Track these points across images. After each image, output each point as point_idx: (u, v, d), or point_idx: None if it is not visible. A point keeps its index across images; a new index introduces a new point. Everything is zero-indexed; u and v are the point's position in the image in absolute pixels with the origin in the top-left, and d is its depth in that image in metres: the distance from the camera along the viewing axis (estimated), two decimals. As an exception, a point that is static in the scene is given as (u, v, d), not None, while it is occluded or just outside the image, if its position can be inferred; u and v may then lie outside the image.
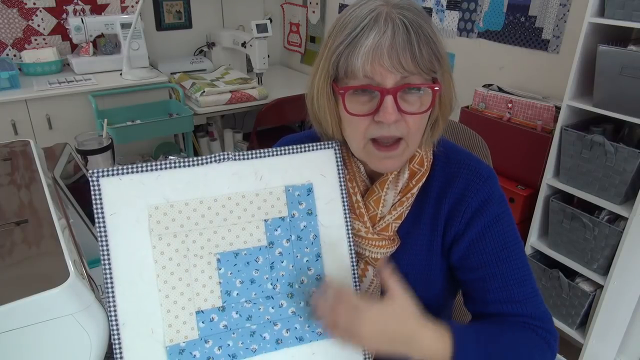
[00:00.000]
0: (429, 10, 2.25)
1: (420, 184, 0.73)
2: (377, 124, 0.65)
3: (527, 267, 0.72)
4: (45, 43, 2.59)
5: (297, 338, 0.68)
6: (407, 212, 0.74)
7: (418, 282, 0.76)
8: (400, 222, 0.74)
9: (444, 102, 0.70)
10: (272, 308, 0.68)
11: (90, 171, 0.61)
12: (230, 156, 0.67)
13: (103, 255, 0.61)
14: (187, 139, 2.51)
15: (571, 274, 1.70)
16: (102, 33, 2.52)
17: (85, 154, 1.48)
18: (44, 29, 2.56)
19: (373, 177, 0.75)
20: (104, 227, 0.61)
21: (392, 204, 0.73)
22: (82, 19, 2.42)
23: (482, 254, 0.71)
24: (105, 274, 0.61)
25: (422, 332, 0.63)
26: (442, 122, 0.72)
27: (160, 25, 2.86)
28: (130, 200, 0.63)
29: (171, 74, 2.64)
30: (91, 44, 2.56)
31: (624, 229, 1.48)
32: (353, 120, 0.67)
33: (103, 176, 0.62)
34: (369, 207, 0.74)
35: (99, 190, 0.62)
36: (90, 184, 0.61)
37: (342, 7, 2.76)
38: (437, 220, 0.73)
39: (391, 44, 0.61)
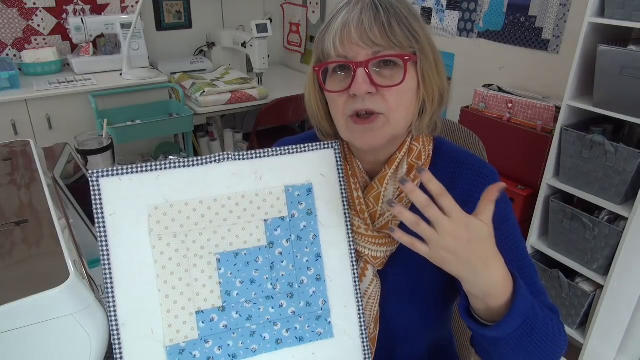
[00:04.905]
0: (428, 10, 2.25)
1: (419, 180, 0.73)
2: (353, 99, 0.66)
3: (532, 264, 0.72)
4: (45, 43, 2.59)
5: (297, 338, 0.68)
6: (407, 208, 0.74)
7: (420, 285, 0.76)
8: (399, 220, 0.74)
9: (429, 85, 0.69)
10: (272, 308, 0.68)
11: (90, 171, 0.61)
12: (230, 156, 0.67)
13: (103, 255, 0.61)
14: (187, 139, 2.51)
15: (571, 274, 1.70)
16: (102, 33, 2.52)
17: (85, 154, 1.48)
18: (44, 29, 2.56)
19: (371, 174, 0.75)
20: (104, 227, 0.61)
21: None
22: (82, 19, 2.43)
23: None
24: (105, 274, 0.61)
25: (496, 262, 0.59)
26: (430, 109, 0.71)
27: (160, 25, 2.86)
28: (130, 200, 0.63)
29: (171, 74, 2.64)
30: (91, 44, 2.56)
31: (624, 229, 1.48)
32: (334, 100, 0.69)
33: (103, 176, 0.62)
34: (368, 203, 0.73)
35: (99, 190, 0.62)
36: (90, 184, 0.61)
37: (342, 7, 2.75)
38: None
39: (359, 19, 0.64)
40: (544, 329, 0.64)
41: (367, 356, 0.71)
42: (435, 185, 0.58)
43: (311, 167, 0.71)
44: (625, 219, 1.47)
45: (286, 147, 0.70)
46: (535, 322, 0.63)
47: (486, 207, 0.59)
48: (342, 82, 0.67)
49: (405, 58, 0.65)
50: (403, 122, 0.69)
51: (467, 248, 0.57)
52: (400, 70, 0.66)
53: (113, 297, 0.61)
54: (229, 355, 0.65)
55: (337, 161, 0.72)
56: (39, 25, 2.54)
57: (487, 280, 0.59)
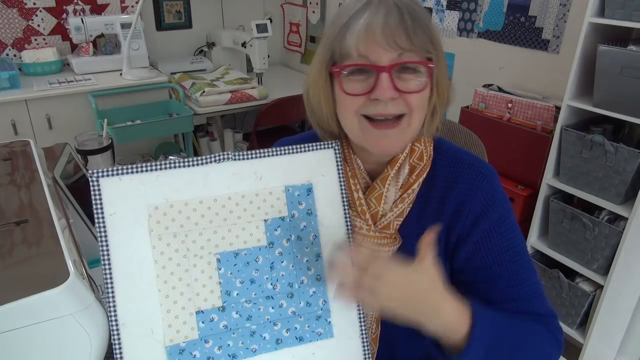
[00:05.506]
0: (428, 10, 2.25)
1: (421, 180, 0.73)
2: (373, 102, 0.66)
3: (531, 264, 0.72)
4: (45, 43, 2.59)
5: (297, 338, 0.68)
6: (408, 209, 0.74)
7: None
8: (401, 220, 0.74)
9: (441, 90, 0.70)
10: (272, 308, 0.68)
11: (90, 171, 0.61)
12: (229, 156, 0.67)
13: (103, 255, 0.61)
14: (187, 139, 2.51)
15: (571, 274, 1.70)
16: (102, 33, 2.52)
17: (85, 154, 1.48)
18: (44, 29, 2.56)
19: (372, 174, 0.76)
20: (104, 227, 0.61)
21: (394, 201, 0.73)
22: (82, 19, 2.43)
23: (488, 254, 0.71)
24: (105, 274, 0.61)
25: (445, 305, 0.61)
26: (439, 112, 0.72)
27: (160, 25, 2.86)
28: (130, 200, 0.63)
29: (171, 74, 2.64)
30: (91, 44, 2.56)
31: (624, 229, 1.48)
32: (347, 100, 0.68)
33: (103, 176, 0.62)
34: (370, 204, 0.74)
35: (99, 190, 0.62)
36: (90, 184, 0.61)
37: (342, 7, 2.76)
38: (440, 221, 0.73)
39: (384, 22, 0.64)
40: (520, 349, 0.65)
41: (367, 356, 0.71)
42: (362, 255, 0.61)
43: (311, 167, 0.71)
44: (625, 219, 1.47)
45: (286, 147, 0.70)
46: (503, 345, 0.64)
47: (426, 250, 0.61)
48: (360, 84, 0.66)
49: (430, 65, 0.66)
50: (420, 124, 0.70)
51: (411, 299, 0.59)
52: (419, 74, 0.66)
53: (113, 297, 0.61)
54: (229, 355, 0.65)
55: (337, 161, 0.72)
56: (39, 25, 2.54)
57: (439, 323, 0.61)
